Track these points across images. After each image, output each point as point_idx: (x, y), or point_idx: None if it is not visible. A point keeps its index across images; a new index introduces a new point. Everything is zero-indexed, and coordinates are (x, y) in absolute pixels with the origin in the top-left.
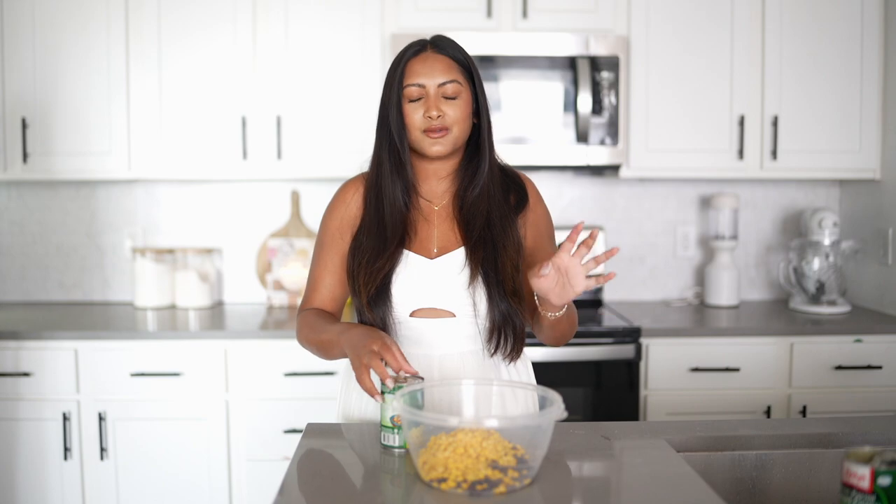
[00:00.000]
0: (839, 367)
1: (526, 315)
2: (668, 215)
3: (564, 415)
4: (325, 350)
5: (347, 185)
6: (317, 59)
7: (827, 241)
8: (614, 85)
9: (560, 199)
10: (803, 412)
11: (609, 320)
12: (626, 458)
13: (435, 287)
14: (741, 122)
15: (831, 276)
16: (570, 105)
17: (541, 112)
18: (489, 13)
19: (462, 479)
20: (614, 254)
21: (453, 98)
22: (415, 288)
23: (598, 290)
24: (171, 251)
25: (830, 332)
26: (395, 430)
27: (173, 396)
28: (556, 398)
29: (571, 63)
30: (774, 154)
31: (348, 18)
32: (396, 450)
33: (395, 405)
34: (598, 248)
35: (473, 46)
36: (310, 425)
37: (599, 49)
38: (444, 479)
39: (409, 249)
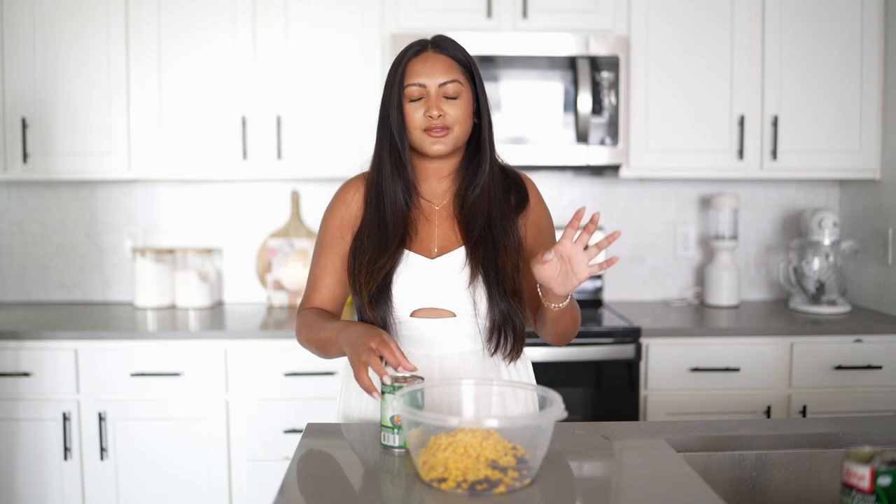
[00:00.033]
0: (839, 367)
1: (527, 315)
2: (668, 215)
3: (564, 415)
4: (323, 349)
5: (348, 184)
6: (317, 59)
7: (827, 241)
8: (614, 85)
9: (560, 199)
10: (803, 412)
11: (609, 320)
12: (626, 458)
13: (435, 287)
14: (741, 122)
15: (831, 276)
16: (570, 105)
17: (541, 112)
18: (489, 13)
19: (462, 479)
20: (616, 238)
21: (454, 98)
22: (415, 287)
23: (598, 290)
24: (171, 251)
25: (830, 332)
26: (395, 430)
27: (173, 396)
28: (556, 398)
29: (571, 63)
30: (774, 154)
31: (348, 18)
32: (396, 450)
33: (395, 405)
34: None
35: (473, 46)
36: (310, 425)
37: (599, 49)
38: (444, 479)
39: (410, 249)
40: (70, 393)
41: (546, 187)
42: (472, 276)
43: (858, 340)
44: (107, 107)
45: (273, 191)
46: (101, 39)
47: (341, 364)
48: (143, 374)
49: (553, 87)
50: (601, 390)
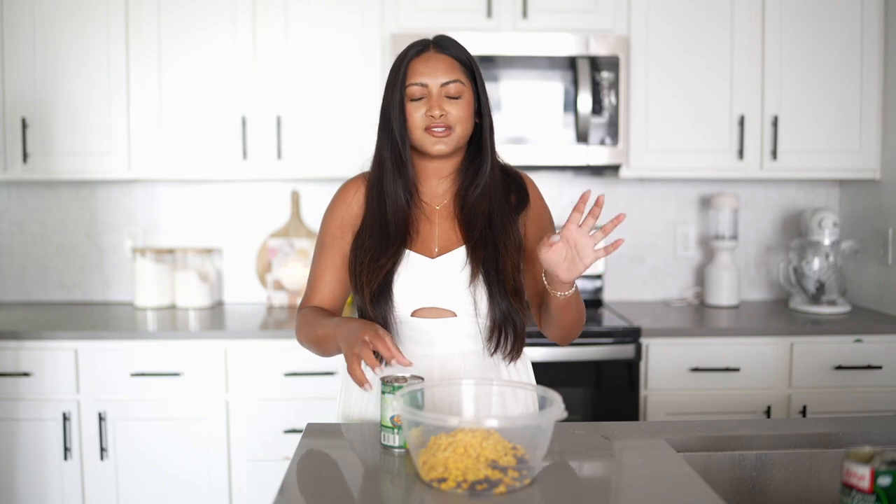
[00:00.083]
0: (839, 367)
1: (528, 314)
2: (668, 215)
3: (564, 415)
4: (321, 345)
5: (348, 184)
6: (317, 59)
7: (827, 241)
8: (614, 85)
9: (560, 199)
10: (803, 412)
11: (609, 320)
12: (626, 458)
13: (436, 286)
14: (741, 122)
15: (831, 276)
16: (570, 105)
17: (541, 112)
18: (489, 13)
19: (462, 479)
20: (621, 220)
21: (456, 98)
22: (416, 287)
23: (598, 290)
24: (171, 251)
25: (830, 332)
26: (395, 430)
27: (173, 396)
28: (556, 398)
29: (571, 63)
30: (774, 154)
31: (348, 18)
32: (396, 450)
33: (395, 405)
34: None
35: (473, 46)
36: (310, 425)
37: (599, 49)
38: (444, 479)
39: (411, 249)
40: (70, 393)
41: (546, 187)
42: (473, 276)
43: (858, 340)
44: (107, 107)
45: (273, 191)
46: (101, 39)
47: (341, 364)
48: (143, 374)
49: (553, 87)
50: (601, 390)
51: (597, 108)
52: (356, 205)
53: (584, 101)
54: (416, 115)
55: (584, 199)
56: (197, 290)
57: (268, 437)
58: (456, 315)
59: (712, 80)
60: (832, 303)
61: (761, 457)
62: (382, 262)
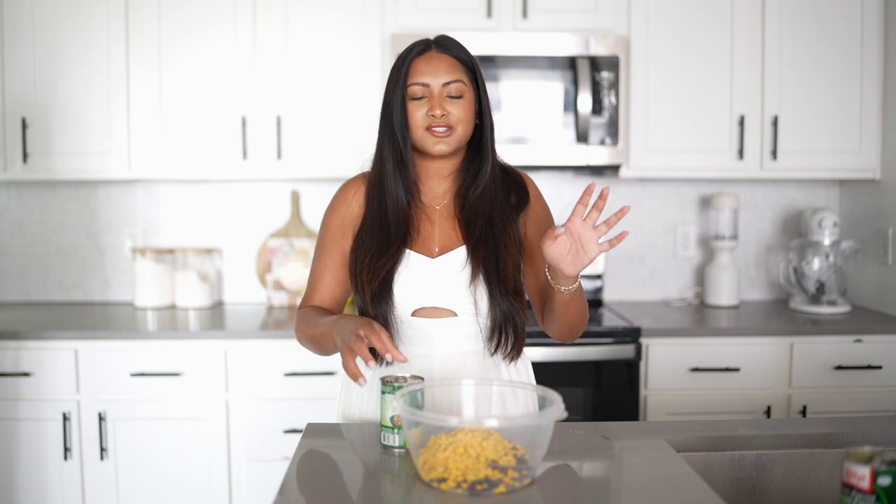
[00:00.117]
0: (839, 367)
1: (528, 314)
2: (668, 215)
3: (564, 415)
4: (319, 343)
5: (348, 184)
6: (317, 59)
7: (827, 241)
8: (614, 85)
9: (560, 199)
10: (803, 412)
11: (609, 320)
12: (626, 458)
13: (436, 286)
14: (741, 122)
15: (831, 276)
16: (570, 105)
17: (541, 112)
18: (489, 13)
19: (462, 479)
20: (625, 213)
21: (457, 97)
22: (416, 287)
23: (598, 290)
24: (171, 251)
25: (830, 332)
26: (395, 430)
27: (173, 396)
28: (556, 398)
29: (571, 63)
30: (774, 154)
31: (348, 18)
32: (396, 450)
33: (395, 405)
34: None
35: (473, 46)
36: (310, 425)
37: (599, 49)
38: (444, 479)
39: (411, 248)
40: (70, 393)
41: (546, 187)
42: (473, 276)
43: (858, 340)
44: (107, 107)
45: (273, 191)
46: (101, 39)
47: (341, 364)
48: (143, 374)
49: (553, 87)
50: (601, 390)
51: (597, 108)
52: (356, 205)
53: (584, 101)
54: (418, 114)
55: (588, 191)
56: (197, 290)
57: (268, 437)
58: (456, 315)
59: (712, 80)
60: (832, 303)
61: (761, 457)
62: (383, 262)
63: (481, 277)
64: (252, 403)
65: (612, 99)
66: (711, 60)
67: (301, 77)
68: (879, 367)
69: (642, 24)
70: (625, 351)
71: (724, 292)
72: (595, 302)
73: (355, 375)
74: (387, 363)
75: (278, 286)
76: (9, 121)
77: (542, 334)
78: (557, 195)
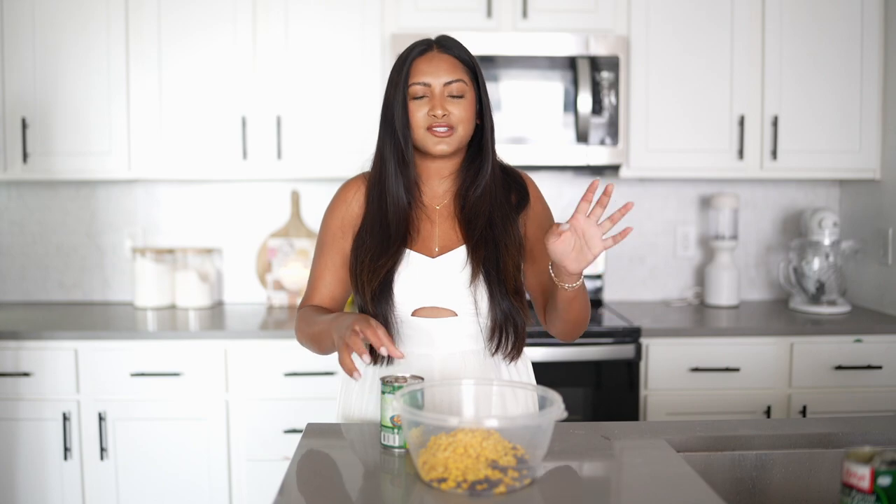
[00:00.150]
0: (839, 367)
1: (528, 314)
2: (668, 215)
3: (564, 415)
4: (318, 342)
5: (348, 184)
6: (317, 59)
7: (827, 241)
8: (614, 85)
9: (560, 199)
10: (803, 412)
11: (609, 320)
12: (626, 458)
13: (436, 286)
14: (741, 122)
15: (831, 276)
16: (570, 105)
17: (541, 112)
18: (489, 13)
19: (462, 479)
20: (629, 209)
21: (459, 97)
22: (417, 286)
23: (598, 290)
24: (171, 251)
25: (830, 332)
26: (395, 430)
27: (173, 396)
28: (556, 398)
29: (571, 63)
30: (774, 154)
31: (348, 18)
32: (396, 450)
33: (395, 405)
34: None
35: (473, 46)
36: (310, 425)
37: (599, 49)
38: (444, 479)
39: (411, 248)
40: (70, 393)
41: (546, 187)
42: (474, 276)
43: (858, 340)
44: (107, 107)
45: (273, 191)
46: (101, 39)
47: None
48: (143, 374)
49: (553, 87)
50: (601, 390)
51: (597, 108)
52: (356, 204)
53: (584, 101)
54: (419, 114)
55: (592, 188)
56: (197, 290)
57: (268, 437)
58: (456, 315)
59: (712, 80)
60: (832, 303)
61: (761, 457)
62: (383, 262)
63: (481, 277)
64: (252, 403)
65: (612, 99)
66: (711, 60)
67: (301, 77)
68: (879, 367)
69: (642, 24)
70: (625, 351)
71: (724, 292)
72: (595, 302)
73: (350, 370)
74: (386, 361)
75: (278, 286)
76: (9, 121)
77: (543, 334)
78: (557, 195)
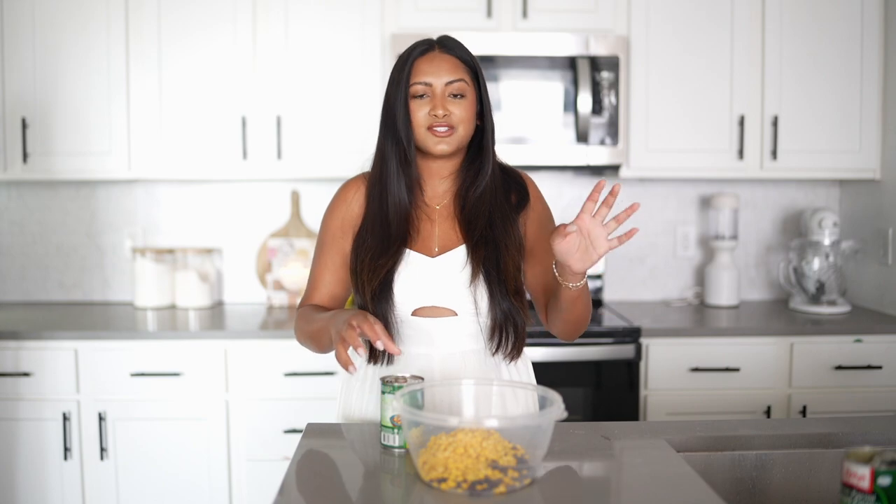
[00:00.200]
0: (839, 367)
1: (528, 314)
2: (668, 215)
3: (564, 415)
4: (317, 340)
5: (348, 184)
6: (317, 59)
7: (827, 241)
8: (614, 85)
9: (560, 199)
10: (803, 412)
11: (609, 320)
12: (626, 458)
13: (436, 285)
14: (741, 122)
15: (831, 276)
16: (570, 105)
17: (541, 112)
18: (489, 13)
19: (462, 479)
20: (635, 209)
21: (460, 97)
22: (416, 286)
23: (598, 290)
24: (171, 251)
25: (830, 332)
26: (395, 430)
27: (173, 396)
28: (556, 398)
29: (571, 63)
30: (774, 154)
31: (348, 18)
32: (396, 450)
33: (395, 405)
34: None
35: (473, 46)
36: (310, 425)
37: (599, 49)
38: (444, 479)
39: (411, 248)
40: (70, 393)
41: (546, 187)
42: (474, 275)
43: (858, 340)
44: (107, 107)
45: (273, 191)
46: (101, 39)
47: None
48: (143, 374)
49: (553, 87)
50: (601, 390)
51: (597, 108)
52: (356, 204)
53: (584, 101)
54: (420, 113)
55: (598, 188)
56: (197, 290)
57: (268, 437)
58: (456, 314)
59: (712, 80)
60: (832, 303)
61: (761, 457)
62: (383, 262)
63: (481, 277)
64: (252, 403)
65: (612, 99)
66: (711, 60)
67: (301, 77)
68: (879, 367)
69: (642, 24)
70: (625, 351)
71: (724, 292)
72: (595, 302)
73: (346, 364)
74: (385, 360)
75: (278, 286)
76: (9, 121)
77: (543, 334)
78: (557, 195)
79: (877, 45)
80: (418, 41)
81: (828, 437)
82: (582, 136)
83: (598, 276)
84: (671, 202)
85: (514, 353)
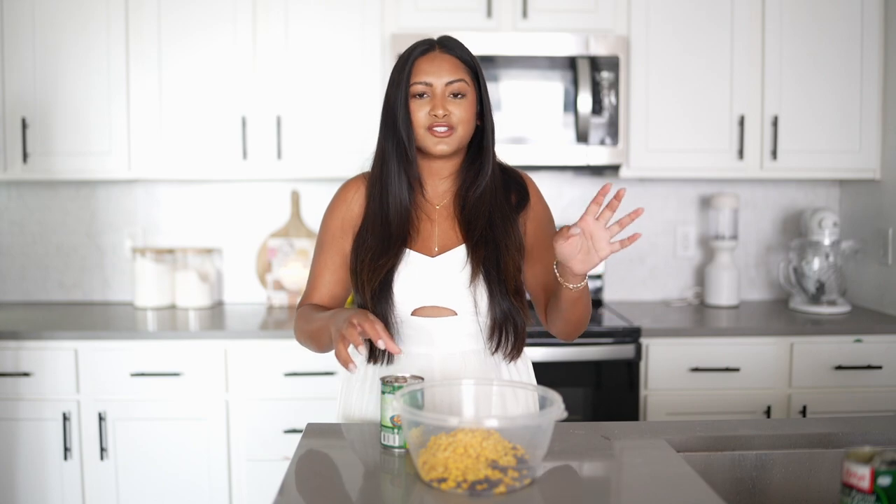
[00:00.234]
0: (839, 367)
1: (528, 314)
2: (668, 215)
3: (564, 415)
4: (316, 339)
5: (348, 184)
6: (317, 59)
7: (827, 241)
8: (614, 85)
9: (560, 199)
10: (803, 412)
11: (609, 320)
12: (626, 458)
13: (436, 285)
14: (741, 122)
15: (831, 276)
16: (570, 105)
17: (541, 112)
18: (489, 13)
19: (462, 479)
20: (639, 214)
21: (460, 97)
22: (416, 286)
23: (598, 290)
24: (171, 251)
25: (830, 332)
26: (395, 430)
27: (173, 396)
28: (556, 398)
29: (571, 63)
30: (774, 154)
31: (348, 18)
32: (396, 450)
33: (395, 405)
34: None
35: (473, 46)
36: (310, 425)
37: (599, 49)
38: (444, 479)
39: (411, 248)
40: (70, 393)
41: (546, 187)
42: (473, 275)
43: (858, 340)
44: (107, 107)
45: (273, 191)
46: (101, 39)
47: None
48: (143, 374)
49: (553, 87)
50: (601, 390)
51: (597, 108)
52: (356, 204)
53: (584, 101)
54: (420, 113)
55: (603, 191)
56: (197, 290)
57: (268, 437)
58: (456, 314)
59: (712, 80)
60: (832, 303)
61: (761, 457)
62: (383, 261)
63: (481, 277)
64: (252, 403)
65: (612, 99)
66: (711, 60)
67: (301, 77)
68: (879, 367)
69: (642, 24)
70: (625, 351)
71: (724, 292)
72: (595, 302)
73: (345, 362)
74: (385, 360)
75: (278, 286)
76: (9, 121)
77: (543, 334)
78: (557, 195)
79: (877, 45)
80: (419, 41)
81: (828, 437)
82: (582, 136)
83: (599, 276)
84: (671, 202)
85: (514, 353)
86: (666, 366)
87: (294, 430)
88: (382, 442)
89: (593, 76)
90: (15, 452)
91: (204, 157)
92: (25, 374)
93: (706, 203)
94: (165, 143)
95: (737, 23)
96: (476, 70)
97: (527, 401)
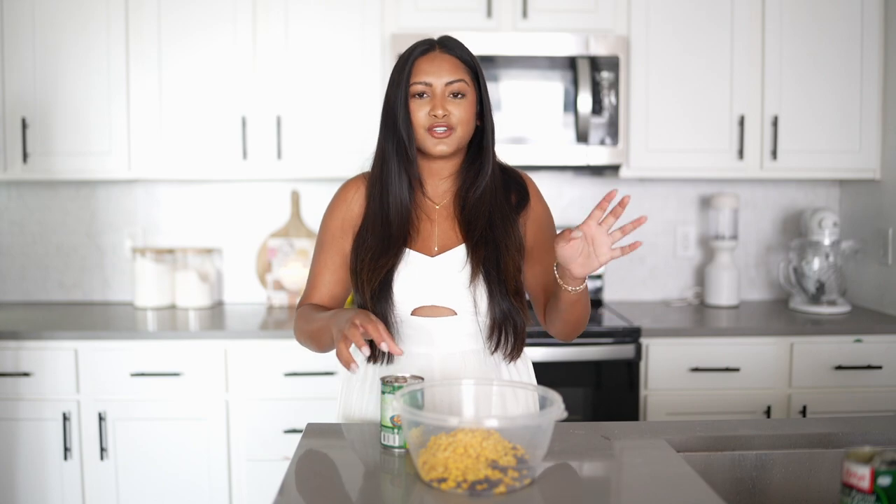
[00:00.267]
0: (839, 367)
1: (528, 314)
2: (668, 215)
3: (564, 415)
4: (317, 339)
5: (348, 184)
6: (317, 59)
7: (827, 241)
8: (614, 85)
9: (560, 199)
10: (803, 412)
11: (609, 320)
12: (626, 458)
13: (436, 285)
14: (741, 122)
15: (831, 276)
16: (570, 105)
17: (541, 112)
18: (489, 13)
19: (462, 479)
20: (642, 223)
21: (460, 97)
22: (416, 285)
23: (598, 290)
24: (171, 251)
25: (830, 332)
26: (395, 430)
27: (173, 396)
28: (556, 398)
29: (571, 63)
30: (774, 154)
31: (348, 18)
32: (396, 450)
33: (395, 405)
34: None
35: (473, 46)
36: (310, 425)
37: (599, 49)
38: (444, 479)
39: (411, 247)
40: (70, 393)
41: (546, 187)
42: (473, 275)
43: (858, 340)
44: (107, 107)
45: (273, 191)
46: (101, 39)
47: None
48: (143, 374)
49: (553, 87)
50: (601, 390)
51: (597, 108)
52: (356, 204)
53: (584, 101)
54: (420, 113)
55: (608, 197)
56: (197, 290)
57: (268, 437)
58: (456, 314)
59: (712, 80)
60: (832, 303)
61: (761, 457)
62: (384, 261)
63: (481, 277)
64: (252, 403)
65: (612, 99)
66: (711, 60)
67: (301, 77)
68: (879, 367)
69: (642, 24)
70: (625, 351)
71: (724, 292)
72: (595, 302)
73: (347, 362)
74: (385, 360)
75: (278, 286)
76: (9, 121)
77: (543, 334)
78: (557, 195)
79: (877, 45)
80: (419, 41)
81: (828, 437)
82: (582, 136)
83: (599, 277)
84: (671, 202)
85: (514, 353)
86: (666, 366)
87: (294, 430)
88: (382, 442)
89: (593, 76)
90: (15, 452)
91: (204, 157)
92: (25, 374)
93: (706, 203)
94: (165, 143)
95: (737, 23)
96: (476, 70)
97: (527, 401)
